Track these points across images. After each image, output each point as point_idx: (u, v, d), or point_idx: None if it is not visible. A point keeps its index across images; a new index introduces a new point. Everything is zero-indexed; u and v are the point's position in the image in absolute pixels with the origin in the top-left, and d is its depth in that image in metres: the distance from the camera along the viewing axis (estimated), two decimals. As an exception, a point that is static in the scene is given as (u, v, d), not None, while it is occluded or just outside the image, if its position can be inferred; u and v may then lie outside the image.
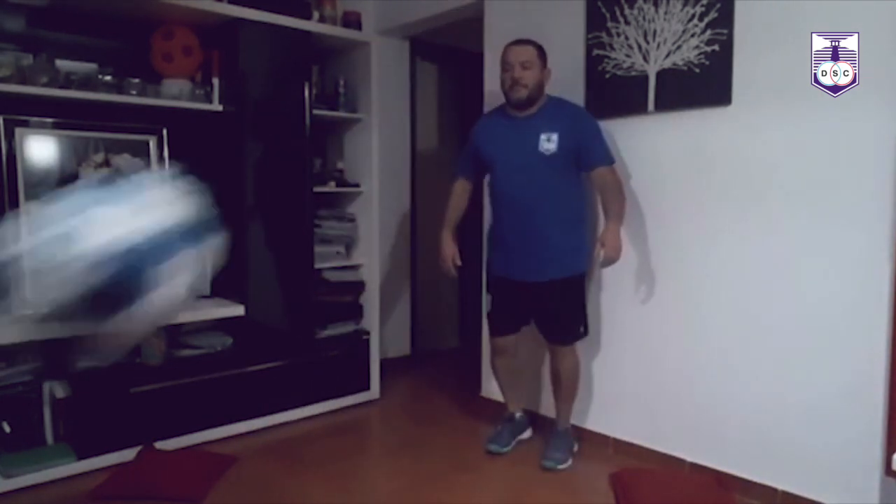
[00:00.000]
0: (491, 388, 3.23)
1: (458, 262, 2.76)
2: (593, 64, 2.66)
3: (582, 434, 2.81)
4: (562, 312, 2.56)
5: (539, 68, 2.46)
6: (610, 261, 2.44)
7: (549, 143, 2.44)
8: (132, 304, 0.99)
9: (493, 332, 2.76)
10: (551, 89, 2.59)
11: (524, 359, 2.92)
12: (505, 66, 2.47)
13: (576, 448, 2.68)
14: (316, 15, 3.13)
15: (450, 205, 2.80)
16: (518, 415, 2.83)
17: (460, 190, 2.79)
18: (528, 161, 2.47)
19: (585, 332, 2.61)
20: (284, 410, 3.03)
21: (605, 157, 2.48)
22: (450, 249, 2.75)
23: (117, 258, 0.95)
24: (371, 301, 3.39)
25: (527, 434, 2.84)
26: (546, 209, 2.47)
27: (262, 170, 2.88)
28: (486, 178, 2.75)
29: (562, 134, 2.44)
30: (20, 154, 2.54)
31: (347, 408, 3.24)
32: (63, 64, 2.59)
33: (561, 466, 2.55)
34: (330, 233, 3.34)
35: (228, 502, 2.28)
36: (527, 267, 2.52)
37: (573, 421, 2.80)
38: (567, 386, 2.66)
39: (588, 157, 2.47)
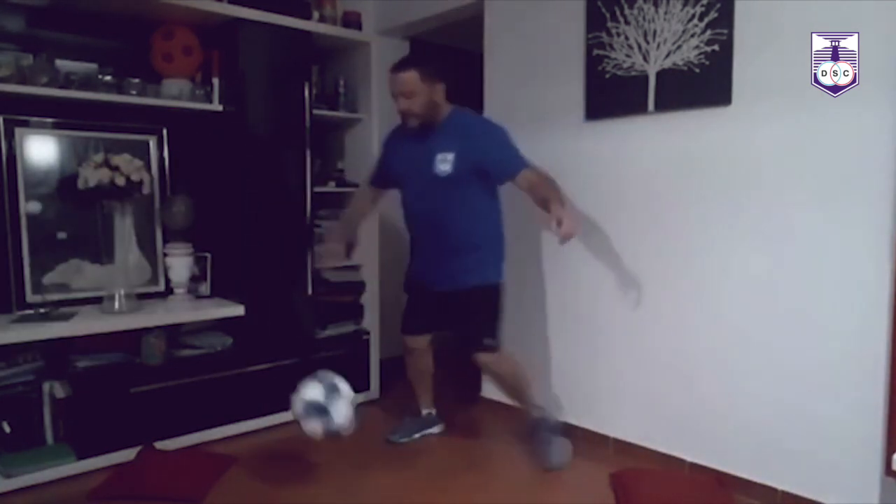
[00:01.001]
0: (491, 388, 3.23)
1: (345, 260, 2.87)
2: (593, 64, 2.65)
3: (582, 434, 2.81)
4: (469, 322, 2.56)
5: (425, 92, 2.39)
6: (568, 235, 2.16)
7: (444, 164, 2.41)
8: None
9: (403, 330, 2.82)
10: (550, 89, 2.59)
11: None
12: (392, 94, 2.45)
13: (557, 422, 2.72)
14: (316, 15, 3.13)
15: (351, 207, 2.85)
16: (426, 412, 2.92)
17: (361, 194, 2.86)
18: (426, 182, 2.47)
19: (494, 346, 2.55)
20: (284, 410, 3.00)
21: (518, 164, 2.39)
22: (333, 243, 2.77)
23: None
24: (371, 301, 3.39)
25: (436, 429, 2.91)
26: (447, 227, 2.49)
27: (262, 170, 2.88)
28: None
29: (458, 154, 2.39)
30: (20, 154, 2.54)
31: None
32: (63, 64, 2.59)
33: (565, 457, 2.58)
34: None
35: (228, 502, 2.28)
36: (435, 276, 2.58)
37: (574, 421, 2.81)
38: (512, 386, 2.68)
39: (500, 170, 2.42)
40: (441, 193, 2.46)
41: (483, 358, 2.58)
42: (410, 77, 2.37)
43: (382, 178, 2.75)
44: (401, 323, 2.83)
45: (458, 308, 2.56)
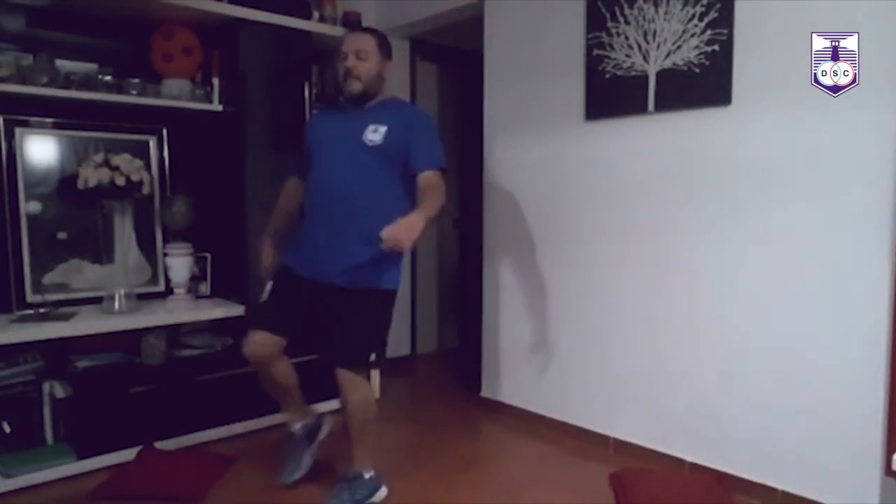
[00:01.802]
0: (491, 388, 3.24)
1: (268, 273, 2.41)
2: (593, 64, 2.65)
3: (582, 434, 2.81)
4: (354, 327, 2.17)
5: (378, 60, 2.23)
6: (394, 240, 1.88)
7: (374, 133, 2.18)
8: None
9: (255, 324, 2.30)
10: (550, 89, 2.59)
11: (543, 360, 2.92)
12: (340, 54, 2.23)
13: (380, 497, 2.28)
14: (316, 15, 3.13)
15: (277, 205, 2.49)
16: (296, 429, 2.45)
17: (291, 189, 2.47)
18: (348, 152, 2.20)
19: (378, 362, 2.30)
20: (284, 410, 3.02)
21: (436, 160, 2.22)
22: (269, 259, 2.44)
23: None
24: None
25: (323, 433, 2.52)
26: (361, 205, 2.17)
27: (262, 170, 2.88)
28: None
29: (391, 128, 2.19)
30: (20, 154, 2.54)
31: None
32: (63, 64, 2.59)
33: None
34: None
35: (228, 502, 2.28)
36: (331, 266, 2.18)
37: (575, 422, 2.81)
38: (357, 423, 2.21)
39: (418, 158, 2.19)
40: (363, 167, 2.19)
41: (348, 377, 2.16)
42: (368, 39, 2.23)
43: (306, 163, 2.37)
44: (255, 314, 2.40)
45: (348, 310, 2.17)
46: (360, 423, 2.22)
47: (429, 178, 2.18)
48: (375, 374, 3.39)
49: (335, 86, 3.31)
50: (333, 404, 3.17)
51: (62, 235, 2.65)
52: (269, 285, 2.32)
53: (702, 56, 2.32)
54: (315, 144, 2.31)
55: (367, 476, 2.25)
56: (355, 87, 2.21)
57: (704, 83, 2.32)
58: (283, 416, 2.47)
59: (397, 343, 4.16)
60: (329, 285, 2.19)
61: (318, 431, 2.51)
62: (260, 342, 2.26)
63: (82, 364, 2.54)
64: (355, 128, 2.22)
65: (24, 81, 2.43)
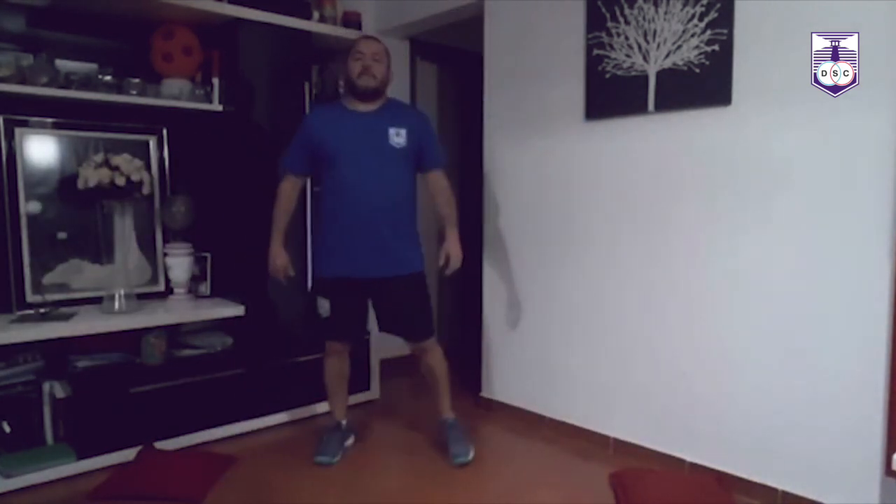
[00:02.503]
0: (491, 388, 3.24)
1: (292, 273, 2.62)
2: (593, 64, 2.65)
3: (582, 434, 2.81)
4: (416, 308, 2.56)
5: (387, 66, 2.48)
6: (454, 269, 2.59)
7: (398, 136, 2.44)
8: None
9: (333, 337, 2.62)
10: (550, 89, 2.59)
11: (532, 354, 2.92)
12: (356, 54, 2.44)
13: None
14: (316, 15, 3.13)
15: (278, 207, 2.58)
16: (344, 423, 2.74)
17: (290, 189, 2.58)
18: (377, 154, 2.42)
19: (433, 331, 2.63)
20: (284, 410, 3.03)
21: (442, 159, 2.60)
22: (282, 260, 2.59)
23: None
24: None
25: (350, 441, 2.76)
26: (392, 203, 2.46)
27: (263, 170, 2.88)
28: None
29: (409, 131, 2.46)
30: (20, 154, 2.55)
31: (347, 408, 3.23)
32: (63, 64, 2.60)
33: (472, 455, 2.58)
34: (330, 233, 3.34)
35: (228, 502, 2.28)
36: (376, 262, 2.45)
37: (575, 422, 2.81)
38: (444, 379, 2.69)
39: (427, 157, 2.54)
40: (392, 169, 2.45)
41: (427, 345, 2.61)
42: (381, 47, 2.48)
43: (309, 163, 2.53)
44: (324, 330, 2.59)
45: (401, 295, 2.52)
46: (443, 375, 2.68)
47: (439, 179, 2.59)
48: (375, 375, 3.39)
49: (335, 85, 3.32)
50: (327, 406, 3.18)
51: (62, 235, 2.65)
52: (325, 302, 2.52)
53: (702, 56, 2.32)
54: (331, 147, 2.43)
55: (453, 415, 2.72)
56: (371, 83, 2.42)
57: (704, 83, 2.32)
58: (331, 408, 2.77)
59: (397, 343, 4.15)
60: (379, 279, 2.48)
61: (348, 437, 2.76)
62: (339, 351, 2.65)
63: (82, 364, 2.54)
64: (376, 130, 2.44)
65: (24, 81, 2.44)
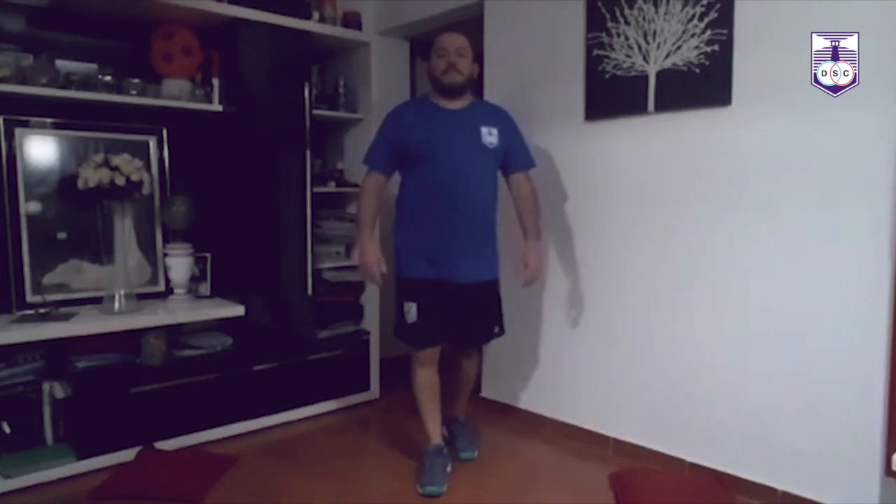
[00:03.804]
0: (491, 389, 3.24)
1: (384, 270, 2.45)
2: (593, 64, 2.65)
3: (582, 434, 2.81)
4: (489, 315, 2.52)
5: (471, 59, 2.41)
6: (532, 281, 2.49)
7: (490, 136, 2.38)
8: None
9: (423, 344, 2.43)
10: (550, 89, 2.60)
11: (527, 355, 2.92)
12: (440, 51, 2.38)
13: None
14: (316, 15, 3.13)
15: (365, 205, 2.47)
16: (444, 446, 2.51)
17: (376, 187, 2.47)
18: (471, 153, 2.35)
19: (501, 332, 2.59)
20: (284, 410, 3.03)
21: (530, 160, 2.51)
22: (374, 255, 2.43)
23: None
24: (371, 301, 3.39)
25: (449, 468, 2.45)
26: (482, 205, 2.39)
27: (262, 170, 2.88)
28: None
29: (500, 130, 2.41)
30: (20, 154, 2.54)
31: (347, 408, 3.25)
32: (63, 64, 2.59)
33: (477, 453, 2.63)
34: (330, 233, 3.35)
35: (228, 502, 2.28)
36: (464, 266, 2.37)
37: (575, 422, 2.81)
38: (471, 383, 2.71)
39: (515, 158, 2.46)
40: (483, 169, 2.37)
41: (473, 355, 2.62)
42: (465, 41, 2.40)
43: (395, 159, 2.43)
44: (413, 336, 2.44)
45: (479, 301, 2.46)
46: (472, 380, 2.70)
47: (522, 182, 2.48)
48: (376, 375, 3.39)
49: (334, 86, 3.32)
50: (326, 406, 3.18)
51: (62, 236, 2.65)
52: (413, 307, 2.39)
53: (702, 56, 2.32)
54: (423, 145, 2.34)
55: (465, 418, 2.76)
56: (457, 79, 2.36)
57: (704, 83, 2.32)
58: (428, 428, 2.51)
59: (398, 343, 4.15)
60: (464, 284, 2.39)
61: (448, 462, 2.47)
62: (431, 354, 2.47)
63: (82, 364, 2.54)
64: (468, 129, 2.36)
65: (24, 82, 2.43)
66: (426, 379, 2.49)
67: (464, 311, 2.44)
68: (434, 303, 2.39)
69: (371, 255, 2.43)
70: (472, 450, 2.64)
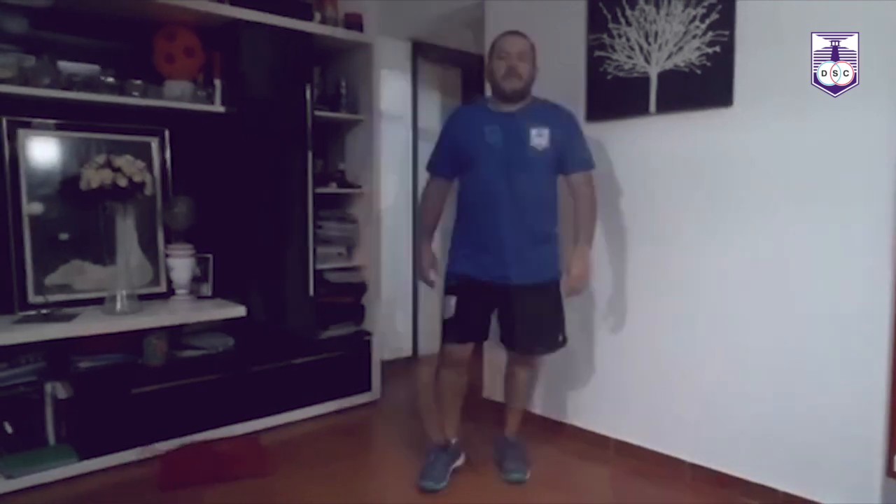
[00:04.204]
0: (492, 390, 3.23)
1: (434, 277, 2.56)
2: (594, 65, 2.66)
3: (583, 435, 2.81)
4: (546, 318, 2.42)
5: (531, 63, 2.34)
6: (575, 291, 2.39)
7: (539, 138, 2.31)
8: None
9: (455, 338, 2.43)
10: (551, 90, 2.58)
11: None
12: (500, 53, 2.32)
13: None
14: (317, 16, 3.14)
15: (428, 209, 2.54)
16: (455, 441, 2.53)
17: (437, 191, 2.54)
18: (518, 156, 2.31)
19: (565, 341, 2.48)
20: (285, 411, 3.03)
21: (588, 161, 2.41)
22: (429, 259, 2.55)
23: None
24: (372, 302, 3.39)
25: (460, 461, 2.52)
26: (530, 207, 2.33)
27: (264, 171, 2.89)
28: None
29: (552, 131, 2.32)
30: (23, 155, 2.55)
31: (348, 409, 3.25)
32: (65, 65, 2.60)
33: (528, 475, 2.48)
34: (331, 234, 3.35)
35: (228, 502, 2.28)
36: (509, 268, 2.33)
37: (575, 422, 2.82)
38: (526, 399, 2.66)
39: (572, 158, 2.38)
40: (531, 172, 2.31)
41: (537, 361, 2.56)
42: (526, 43, 2.34)
43: (453, 164, 2.46)
44: (447, 330, 2.44)
45: (531, 303, 2.37)
46: (523, 392, 2.62)
47: (581, 186, 2.39)
48: (377, 376, 3.39)
49: (336, 87, 3.32)
50: (327, 407, 3.18)
51: (64, 236, 2.66)
52: (452, 300, 2.39)
53: (703, 57, 2.33)
54: (472, 149, 2.35)
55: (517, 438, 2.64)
56: (517, 84, 2.30)
57: (706, 84, 2.33)
58: (440, 425, 2.54)
59: (399, 344, 4.17)
60: (516, 286, 2.33)
61: (457, 458, 2.53)
62: (459, 352, 2.43)
63: (84, 365, 2.55)
64: (518, 132, 2.31)
65: (26, 83, 2.44)
66: (449, 379, 2.48)
67: (514, 315, 2.39)
68: (474, 300, 2.38)
69: (426, 259, 2.54)
70: (523, 471, 2.48)
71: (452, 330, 2.42)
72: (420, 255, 2.57)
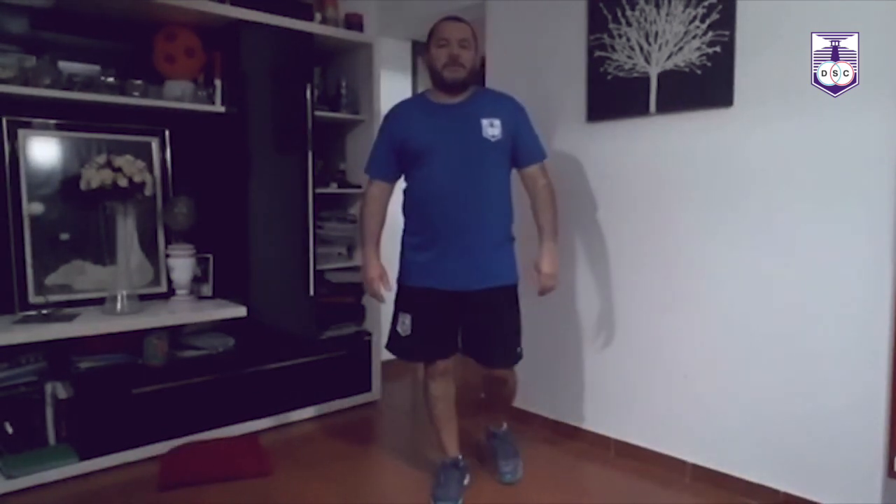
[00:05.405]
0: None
1: (389, 286, 2.30)
2: (595, 65, 2.66)
3: (583, 436, 2.81)
4: (502, 328, 2.23)
5: (474, 50, 2.18)
6: (547, 290, 2.25)
7: (492, 128, 2.14)
8: None
9: (416, 359, 2.38)
10: (551, 90, 2.60)
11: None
12: (440, 41, 2.15)
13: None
14: (318, 16, 3.14)
15: (367, 214, 2.30)
16: (461, 458, 2.39)
17: (378, 194, 2.30)
18: (472, 149, 2.13)
19: (521, 355, 2.31)
20: (285, 411, 3.03)
21: (542, 151, 2.27)
22: (377, 269, 2.28)
23: None
24: (373, 302, 3.39)
25: (467, 480, 2.38)
26: (488, 204, 2.17)
27: (264, 171, 2.89)
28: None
29: (503, 121, 2.16)
30: (23, 155, 2.55)
31: (348, 409, 3.25)
32: (66, 65, 2.60)
33: (520, 473, 2.45)
34: (332, 234, 3.35)
35: (228, 502, 2.28)
36: (468, 274, 2.16)
37: (575, 423, 2.81)
38: (509, 398, 2.56)
39: (526, 149, 2.24)
40: (486, 165, 2.14)
41: (505, 374, 2.36)
42: (468, 29, 2.18)
43: (395, 163, 2.26)
44: (405, 351, 2.29)
45: (488, 311, 2.20)
46: (506, 385, 2.44)
47: (539, 178, 2.25)
48: (377, 376, 3.39)
49: (336, 87, 3.32)
50: (328, 407, 3.18)
51: (65, 236, 2.66)
52: (407, 318, 2.23)
53: (703, 57, 2.32)
54: (421, 146, 2.17)
55: (506, 428, 2.60)
56: (460, 74, 2.14)
57: (706, 84, 2.32)
58: (443, 442, 2.39)
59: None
60: (466, 293, 2.18)
61: (466, 475, 2.39)
62: (442, 371, 2.29)
63: (84, 365, 2.55)
64: (467, 122, 2.15)
65: (27, 83, 2.44)
66: (437, 391, 2.32)
67: (474, 324, 2.23)
68: (433, 315, 2.22)
69: (374, 269, 2.28)
70: (515, 471, 2.43)
71: (413, 351, 2.29)
72: (366, 266, 2.30)
